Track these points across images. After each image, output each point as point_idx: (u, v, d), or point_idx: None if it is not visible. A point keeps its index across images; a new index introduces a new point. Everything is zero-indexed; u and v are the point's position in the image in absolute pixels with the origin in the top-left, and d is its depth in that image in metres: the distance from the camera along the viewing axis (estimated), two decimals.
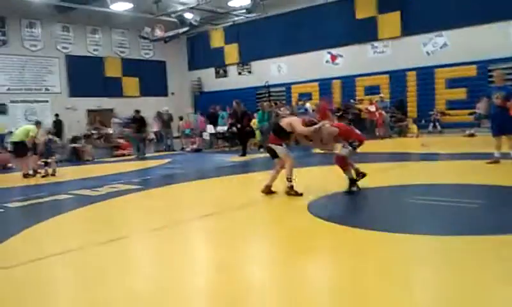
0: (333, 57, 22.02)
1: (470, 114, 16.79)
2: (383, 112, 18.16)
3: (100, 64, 24.68)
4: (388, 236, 4.62)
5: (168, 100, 25.55)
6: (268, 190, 7.05)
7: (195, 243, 5.22)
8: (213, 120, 19.10)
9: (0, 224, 6.59)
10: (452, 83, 18.40)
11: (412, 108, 19.53)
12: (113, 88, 24.73)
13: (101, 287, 3.77)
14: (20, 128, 12.53)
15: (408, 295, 3.28)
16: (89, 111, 24.17)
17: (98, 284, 3.83)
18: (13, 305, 3.55)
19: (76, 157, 15.78)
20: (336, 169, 7.01)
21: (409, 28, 19.39)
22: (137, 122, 16.27)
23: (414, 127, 18.16)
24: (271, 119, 15.67)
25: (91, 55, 24.54)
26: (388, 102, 19.36)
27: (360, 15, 20.64)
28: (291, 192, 6.74)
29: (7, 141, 15.23)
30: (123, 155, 17.10)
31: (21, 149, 11.82)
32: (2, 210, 7.40)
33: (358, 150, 7.00)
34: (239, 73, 25.79)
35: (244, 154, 14.12)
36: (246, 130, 14.90)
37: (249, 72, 25.35)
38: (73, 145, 16.32)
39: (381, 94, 19.44)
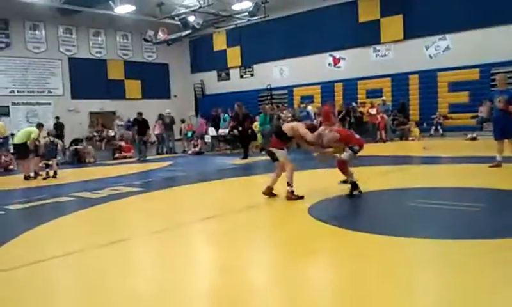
0: (336, 60, 22.04)
1: (473, 117, 16.77)
2: (385, 115, 18.15)
3: (102, 66, 24.77)
4: (389, 240, 4.61)
5: (170, 103, 25.60)
6: (269, 192, 7.05)
7: (196, 245, 5.22)
8: (215, 123, 19.12)
9: (2, 226, 6.59)
10: (455, 86, 18.39)
11: (414, 111, 19.52)
12: (116, 90, 24.81)
13: (102, 289, 3.77)
14: (22, 130, 12.55)
15: (409, 299, 3.27)
16: (92, 113, 24.26)
17: (100, 287, 3.83)
18: None
19: (77, 159, 15.80)
20: (337, 172, 7.05)
21: (411, 31, 19.40)
22: (140, 124, 16.30)
23: (416, 130, 18.13)
24: (272, 122, 15.68)
25: (94, 57, 24.62)
26: (390, 105, 19.34)
27: (362, 18, 20.67)
28: (292, 197, 6.74)
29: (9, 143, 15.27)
30: (125, 157, 17.12)
31: (22, 151, 11.84)
32: (3, 212, 7.41)
33: (359, 153, 7.03)
34: (241, 76, 25.82)
35: (245, 157, 14.11)
36: (247, 132, 14.91)
37: (252, 75, 25.38)
38: (75, 147, 16.32)
39: (383, 98, 19.43)
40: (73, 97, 23.55)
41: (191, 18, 20.04)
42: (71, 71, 23.51)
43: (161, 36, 21.65)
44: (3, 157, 14.57)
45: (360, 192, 6.83)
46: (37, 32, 22.57)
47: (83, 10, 20.45)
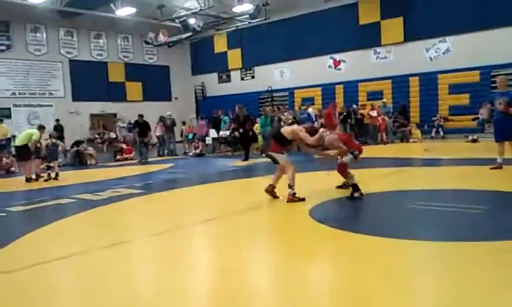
0: (336, 63, 22.07)
1: (473, 119, 16.77)
2: (386, 117, 18.16)
3: (103, 68, 24.82)
4: (390, 242, 4.61)
5: (171, 105, 25.64)
6: (271, 189, 7.08)
7: (197, 247, 5.22)
8: (216, 125, 19.14)
9: (3, 228, 6.60)
10: (455, 89, 18.41)
11: (415, 113, 19.54)
12: (117, 93, 24.85)
13: (104, 291, 3.77)
14: (23, 132, 12.57)
15: (409, 301, 3.27)
16: (92, 115, 24.29)
17: (101, 289, 3.84)
18: None
19: (79, 161, 15.81)
20: (338, 174, 7.07)
21: (412, 34, 19.43)
22: (141, 126, 16.32)
23: (418, 132, 18.15)
24: (273, 124, 15.69)
25: (95, 60, 24.67)
26: (391, 107, 19.36)
27: (363, 20, 20.71)
28: (294, 199, 6.74)
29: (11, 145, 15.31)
30: (126, 159, 17.13)
31: (24, 153, 11.85)
32: (4, 214, 7.41)
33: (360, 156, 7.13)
34: (242, 78, 25.86)
35: (246, 159, 14.12)
36: (248, 134, 14.91)
37: (252, 77, 25.41)
38: (77, 148, 16.33)
39: (384, 100, 19.45)
40: (74, 99, 23.60)
41: (192, 21, 20.10)
42: (72, 74, 23.56)
43: (162, 38, 21.70)
44: (4, 159, 14.58)
45: (361, 194, 6.84)
46: (38, 34, 22.62)
47: (84, 13, 20.51)
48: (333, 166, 7.21)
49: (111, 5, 19.80)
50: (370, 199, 6.86)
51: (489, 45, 17.25)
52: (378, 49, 20.64)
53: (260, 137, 16.10)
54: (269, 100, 23.75)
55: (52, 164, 12.04)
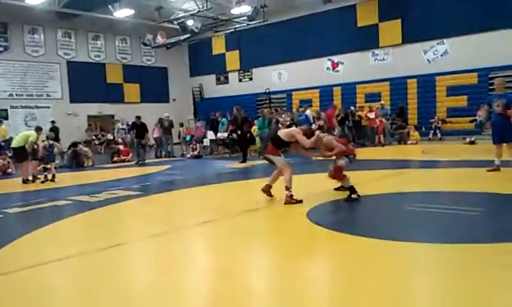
0: (334, 65, 22.09)
1: (471, 121, 16.80)
2: (384, 119, 18.18)
3: (101, 70, 24.80)
4: (388, 244, 4.61)
5: (169, 107, 25.65)
6: (268, 189, 7.11)
7: (195, 249, 5.21)
8: (213, 126, 19.13)
9: (0, 230, 6.58)
10: (453, 91, 18.44)
11: (412, 115, 19.56)
12: (114, 94, 24.83)
13: (100, 293, 3.76)
14: (20, 134, 12.54)
15: (406, 303, 3.27)
16: (90, 117, 24.25)
17: (98, 290, 3.82)
18: None
19: (76, 163, 15.77)
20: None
21: (410, 36, 19.47)
22: (138, 128, 16.29)
23: (416, 134, 18.17)
24: (271, 126, 15.68)
25: (93, 61, 24.64)
26: (389, 109, 19.38)
27: (361, 22, 20.74)
28: (292, 201, 6.74)
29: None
30: (123, 161, 17.10)
31: (21, 154, 11.82)
32: (1, 216, 7.38)
33: (356, 159, 7.19)
34: (240, 80, 25.87)
35: (244, 161, 14.11)
36: (246, 136, 14.90)
37: (250, 79, 25.43)
38: (74, 149, 16.28)
39: (382, 102, 19.47)
40: (72, 101, 23.57)
41: (190, 22, 20.11)
42: (69, 75, 23.53)
43: (160, 40, 21.70)
44: (1, 161, 14.54)
45: (359, 196, 6.84)
46: (36, 36, 22.59)
47: (82, 14, 20.50)
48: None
49: (109, 6, 19.79)
50: (367, 201, 6.86)
51: (487, 47, 17.29)
52: (376, 51, 20.67)
53: (257, 139, 16.09)
54: (267, 101, 23.77)
55: (48, 166, 12.01)
